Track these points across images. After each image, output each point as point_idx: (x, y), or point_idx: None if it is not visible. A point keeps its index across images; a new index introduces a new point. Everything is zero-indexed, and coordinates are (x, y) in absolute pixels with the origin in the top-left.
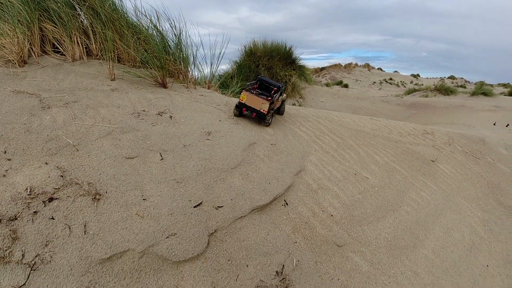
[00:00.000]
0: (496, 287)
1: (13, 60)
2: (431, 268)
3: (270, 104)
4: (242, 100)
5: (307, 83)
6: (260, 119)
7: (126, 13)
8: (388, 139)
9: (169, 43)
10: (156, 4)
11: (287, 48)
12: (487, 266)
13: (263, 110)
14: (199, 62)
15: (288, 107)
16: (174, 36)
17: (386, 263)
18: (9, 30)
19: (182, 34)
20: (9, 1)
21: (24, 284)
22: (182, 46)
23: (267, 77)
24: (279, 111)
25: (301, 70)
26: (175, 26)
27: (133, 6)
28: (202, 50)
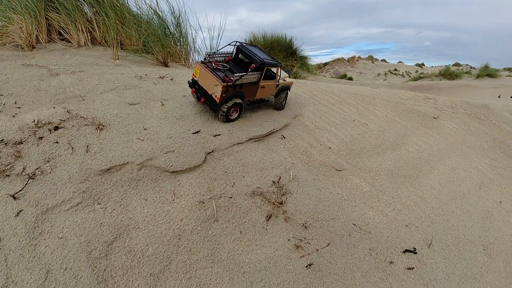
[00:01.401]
0: None
1: (22, 45)
2: (438, 195)
3: (227, 88)
4: (195, 76)
5: (309, 72)
6: (210, 109)
7: (127, 2)
8: (388, 101)
9: (168, 26)
10: None
11: (287, 39)
12: (500, 202)
13: (215, 97)
14: (199, 46)
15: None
16: (173, 19)
17: (389, 187)
18: (17, 17)
19: (181, 17)
20: None
21: (21, 190)
22: (181, 27)
23: (252, 46)
24: (277, 103)
25: (303, 61)
26: (173, 10)
27: None
28: (201, 34)
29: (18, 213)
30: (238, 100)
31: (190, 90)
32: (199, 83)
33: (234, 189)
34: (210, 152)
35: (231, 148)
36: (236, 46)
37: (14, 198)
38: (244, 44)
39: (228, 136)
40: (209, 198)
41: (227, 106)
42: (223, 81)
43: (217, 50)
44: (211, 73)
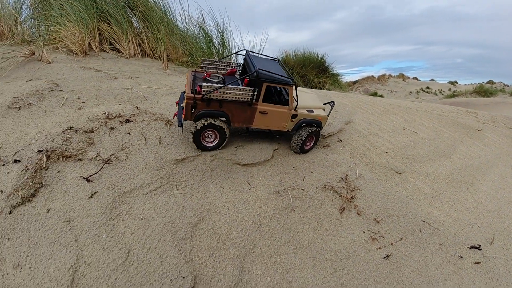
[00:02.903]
0: None
1: (75, 50)
2: (492, 200)
3: (194, 102)
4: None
5: (341, 89)
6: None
7: (174, 18)
8: (431, 113)
9: (214, 41)
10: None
11: (319, 56)
12: None
13: (183, 111)
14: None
15: (326, 92)
16: (218, 33)
17: (448, 190)
18: (70, 25)
19: (226, 33)
20: (70, 1)
21: (96, 173)
22: (225, 41)
23: (263, 59)
24: (292, 143)
25: (335, 78)
26: (218, 25)
27: (181, 10)
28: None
29: (92, 195)
30: (216, 122)
31: None
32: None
33: (305, 182)
34: (275, 149)
35: None
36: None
37: (88, 180)
38: (252, 53)
39: (290, 136)
40: (284, 189)
41: (195, 127)
42: (193, 91)
43: (220, 59)
44: (190, 82)
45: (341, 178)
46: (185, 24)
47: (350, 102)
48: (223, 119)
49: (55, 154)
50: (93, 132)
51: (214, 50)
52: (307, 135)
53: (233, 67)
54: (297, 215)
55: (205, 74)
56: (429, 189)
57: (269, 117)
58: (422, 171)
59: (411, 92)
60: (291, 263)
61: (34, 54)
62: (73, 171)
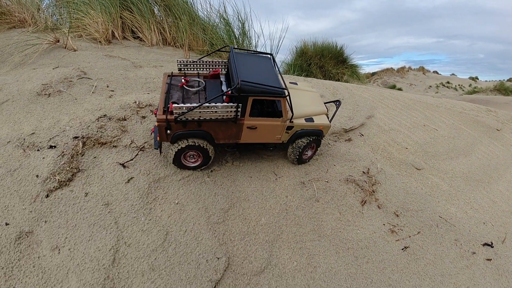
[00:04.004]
0: None
1: (99, 38)
2: (507, 200)
3: (167, 123)
4: None
5: (359, 81)
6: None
7: (195, 6)
8: (452, 110)
9: (234, 31)
10: None
11: (338, 47)
12: None
13: (156, 127)
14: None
15: (346, 85)
16: (239, 22)
17: (465, 188)
18: (93, 13)
19: (247, 22)
20: None
21: (131, 159)
22: (246, 31)
23: (253, 57)
24: (290, 155)
25: (353, 69)
26: (239, 15)
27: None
28: (263, 39)
29: (129, 180)
30: (198, 142)
31: None
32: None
33: (328, 175)
34: None
35: None
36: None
37: (124, 166)
38: (238, 51)
39: None
40: (308, 180)
41: (176, 148)
42: (165, 111)
43: (200, 58)
44: (164, 94)
45: (363, 172)
46: (206, 13)
47: (371, 96)
48: (205, 139)
49: (91, 140)
50: (125, 120)
51: (234, 40)
52: (305, 145)
53: (216, 66)
54: (321, 206)
55: (183, 81)
56: (447, 186)
57: (259, 132)
58: (441, 168)
59: (430, 86)
60: (316, 249)
61: (58, 41)
62: (109, 157)
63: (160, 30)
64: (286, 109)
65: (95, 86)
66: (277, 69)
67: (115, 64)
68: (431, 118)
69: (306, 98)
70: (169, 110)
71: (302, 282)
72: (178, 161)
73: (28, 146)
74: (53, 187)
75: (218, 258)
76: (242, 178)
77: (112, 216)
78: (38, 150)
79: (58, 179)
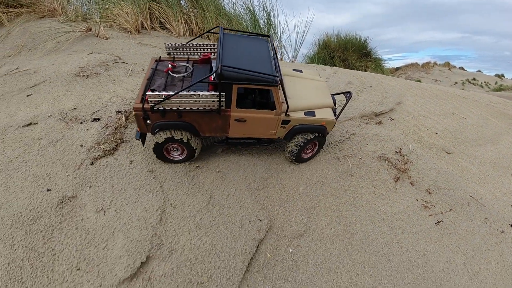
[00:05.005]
0: None
1: (129, 28)
2: None
3: (144, 112)
4: None
5: (383, 74)
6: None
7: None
8: (479, 102)
9: (259, 21)
10: None
11: (362, 40)
12: None
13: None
14: (283, 44)
15: (374, 75)
16: (264, 13)
17: (493, 174)
18: (123, 4)
19: (272, 13)
20: None
21: None
22: (271, 22)
23: (245, 37)
24: (286, 151)
25: (377, 62)
26: (265, 6)
27: None
28: (288, 32)
29: None
30: (177, 135)
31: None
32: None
33: (361, 152)
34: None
35: (348, 122)
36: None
37: None
38: (230, 32)
39: (342, 112)
40: (343, 156)
41: (157, 141)
42: (143, 99)
43: (190, 41)
44: (145, 80)
45: (395, 151)
46: (231, 4)
47: (399, 85)
48: (187, 131)
49: (133, 115)
50: None
51: (259, 31)
52: (304, 144)
53: (207, 50)
54: (355, 180)
55: (169, 66)
56: (476, 170)
57: (250, 125)
58: (470, 154)
59: (456, 83)
60: (352, 218)
61: (90, 30)
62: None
63: (187, 21)
64: (280, 100)
65: (131, 70)
66: (273, 53)
67: (147, 51)
68: (459, 107)
69: (309, 88)
70: (146, 98)
71: (340, 246)
72: (160, 155)
73: (70, 119)
74: (98, 156)
75: (260, 220)
76: (278, 152)
77: (157, 181)
78: (81, 123)
79: (103, 148)
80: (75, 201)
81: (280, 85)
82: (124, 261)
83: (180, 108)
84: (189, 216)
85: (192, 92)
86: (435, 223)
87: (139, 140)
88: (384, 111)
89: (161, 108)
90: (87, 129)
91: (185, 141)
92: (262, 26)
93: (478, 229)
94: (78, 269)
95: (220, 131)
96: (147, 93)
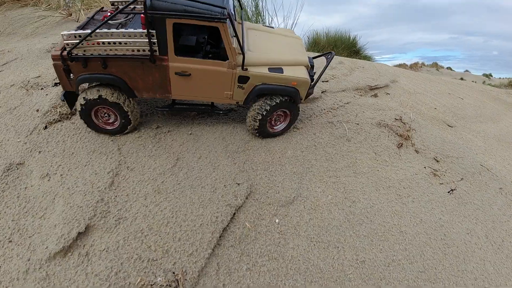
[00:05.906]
0: None
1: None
2: None
3: (62, 62)
4: None
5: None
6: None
7: None
8: (473, 88)
9: (247, 11)
10: None
11: (351, 38)
12: None
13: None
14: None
15: (362, 60)
16: (252, 1)
17: (498, 147)
18: None
19: (260, 1)
20: None
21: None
22: (260, 10)
23: None
24: (248, 122)
25: (367, 60)
26: None
27: None
28: (276, 20)
29: (141, 115)
30: (104, 92)
31: None
32: None
33: (358, 118)
34: (323, 91)
35: (341, 93)
36: None
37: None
38: None
39: (336, 83)
40: (338, 121)
41: (79, 101)
42: (64, 48)
43: None
44: (76, 29)
45: (396, 119)
46: None
47: (392, 69)
48: (115, 87)
49: None
50: None
51: (248, 19)
52: (269, 110)
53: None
54: (353, 145)
55: (108, 14)
56: (481, 143)
57: (197, 82)
58: (473, 128)
59: None
60: (352, 185)
61: (71, 15)
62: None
63: None
64: (232, 46)
65: None
66: None
67: None
68: (455, 90)
69: (279, 43)
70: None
71: (340, 216)
72: (89, 122)
73: (32, 86)
74: (53, 120)
75: (238, 184)
76: None
77: (116, 144)
78: (41, 89)
79: (60, 112)
80: (22, 168)
81: (231, 24)
82: (58, 231)
83: (104, 54)
84: (147, 179)
85: (114, 30)
86: (448, 192)
87: (64, 101)
88: (379, 85)
89: (81, 54)
90: (46, 94)
91: (110, 101)
92: (250, 16)
93: (494, 199)
94: (11, 241)
95: (160, 89)
96: (61, 33)
